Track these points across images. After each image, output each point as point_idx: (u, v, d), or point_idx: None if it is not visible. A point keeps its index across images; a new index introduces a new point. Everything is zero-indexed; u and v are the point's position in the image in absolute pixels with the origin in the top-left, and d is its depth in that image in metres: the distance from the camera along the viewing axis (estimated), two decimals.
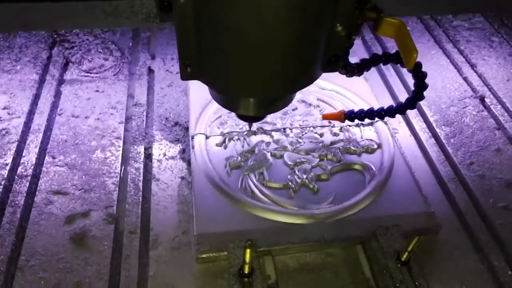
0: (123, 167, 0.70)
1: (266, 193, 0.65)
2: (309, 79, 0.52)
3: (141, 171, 0.70)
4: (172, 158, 0.72)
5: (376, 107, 0.80)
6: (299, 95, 0.82)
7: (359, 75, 0.60)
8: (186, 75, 0.48)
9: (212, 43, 0.45)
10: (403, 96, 0.87)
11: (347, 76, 0.58)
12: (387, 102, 0.86)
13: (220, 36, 0.44)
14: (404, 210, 0.64)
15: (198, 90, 0.80)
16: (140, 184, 0.68)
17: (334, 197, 0.65)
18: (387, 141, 0.74)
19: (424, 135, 0.79)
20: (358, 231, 0.61)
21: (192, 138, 0.73)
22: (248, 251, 0.51)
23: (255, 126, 0.76)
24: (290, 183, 0.67)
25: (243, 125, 0.75)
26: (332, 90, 0.84)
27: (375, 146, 0.73)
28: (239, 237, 0.58)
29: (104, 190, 0.66)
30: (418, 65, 0.62)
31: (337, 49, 0.48)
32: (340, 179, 0.69)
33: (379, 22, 0.50)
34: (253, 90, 0.50)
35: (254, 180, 0.67)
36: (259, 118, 0.59)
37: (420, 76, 0.63)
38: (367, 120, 0.77)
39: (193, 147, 0.71)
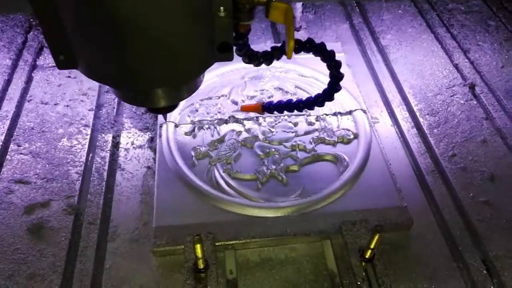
0: (89, 156, 0.69)
1: (231, 185, 0.63)
2: (197, 68, 0.47)
3: (107, 160, 0.68)
4: (140, 147, 0.70)
5: (355, 94, 0.77)
6: (275, 82, 0.79)
7: (268, 64, 0.55)
8: (60, 64, 0.44)
9: (78, 32, 0.41)
10: (387, 83, 0.83)
11: (254, 66, 0.54)
12: (370, 89, 0.82)
13: (84, 24, 0.40)
14: (375, 204, 0.61)
15: None
16: (105, 173, 0.66)
17: (303, 189, 0.63)
18: (364, 131, 0.71)
19: (406, 124, 0.75)
20: (323, 225, 0.58)
21: (160, 126, 0.70)
22: (198, 246, 0.49)
23: (226, 114, 0.73)
24: (258, 174, 0.64)
25: (214, 113, 0.73)
26: (311, 77, 0.80)
27: (351, 136, 0.70)
28: (199, 230, 0.56)
29: (66, 180, 0.65)
30: (331, 54, 0.57)
31: (225, 36, 0.44)
32: (311, 171, 0.66)
33: (268, 6, 0.46)
34: (132, 81, 0.45)
35: (221, 171, 0.65)
36: (168, 108, 0.55)
37: (334, 65, 0.59)
38: (338, 110, 0.74)
39: (160, 136, 0.69)
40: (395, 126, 0.76)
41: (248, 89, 0.77)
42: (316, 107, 0.66)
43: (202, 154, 0.67)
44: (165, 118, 0.66)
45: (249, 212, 0.60)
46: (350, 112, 0.74)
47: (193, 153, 0.67)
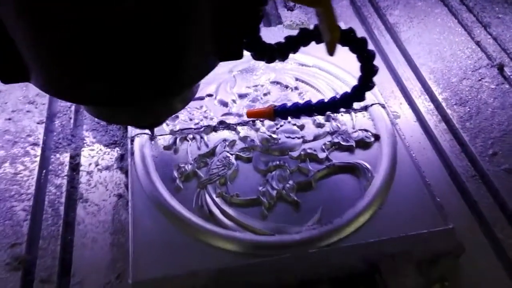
0: (39, 185, 0.53)
1: (229, 214, 0.49)
2: (198, 73, 0.37)
3: (64, 189, 0.53)
4: (107, 168, 0.55)
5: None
6: (271, 74, 0.64)
7: (283, 60, 0.44)
8: (4, 78, 0.34)
9: (32, 31, 0.30)
10: (403, 69, 0.70)
11: (266, 62, 0.44)
12: (384, 77, 0.69)
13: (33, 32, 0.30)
14: (413, 227, 0.48)
15: None
16: (62, 208, 0.51)
17: (320, 213, 0.49)
18: (386, 130, 0.57)
19: (433, 118, 0.63)
20: (354, 263, 0.45)
21: (132, 140, 0.55)
22: None
23: (215, 119, 0.58)
24: (262, 197, 0.50)
25: (199, 119, 0.58)
26: (314, 66, 0.66)
27: (372, 139, 0.56)
28: (191, 283, 0.42)
29: (10, 221, 0.49)
30: (362, 42, 0.45)
31: (235, 28, 0.34)
32: (328, 187, 0.52)
33: None
34: (102, 97, 0.35)
35: (214, 196, 0.50)
36: (155, 123, 0.47)
37: (366, 57, 0.46)
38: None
39: (132, 153, 0.54)
40: (419, 122, 0.63)
41: (239, 85, 0.63)
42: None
43: (188, 174, 0.52)
44: (152, 133, 0.54)
45: (255, 251, 0.46)
46: (365, 108, 0.60)
47: (176, 174, 0.52)
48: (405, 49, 0.72)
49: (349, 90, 0.61)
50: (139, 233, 0.47)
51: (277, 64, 0.66)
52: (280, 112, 0.54)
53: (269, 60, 0.43)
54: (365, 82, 0.48)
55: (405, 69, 0.69)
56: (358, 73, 0.65)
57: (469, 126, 0.61)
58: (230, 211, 0.49)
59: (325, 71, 0.65)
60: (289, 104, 0.54)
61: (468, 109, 0.63)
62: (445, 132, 0.61)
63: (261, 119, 0.57)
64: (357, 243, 0.46)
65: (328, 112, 0.56)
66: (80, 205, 0.51)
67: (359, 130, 0.57)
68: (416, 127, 0.62)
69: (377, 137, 0.57)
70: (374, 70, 0.46)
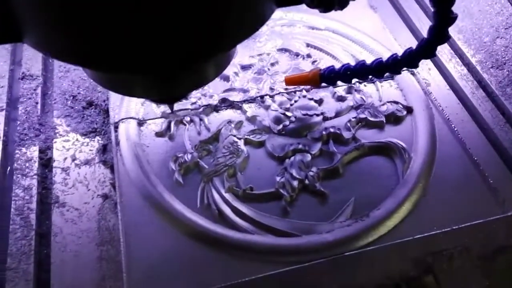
0: (2, 189, 0.43)
1: (243, 212, 0.40)
2: (249, 24, 0.29)
3: (35, 192, 0.42)
4: (87, 163, 0.45)
5: (393, 49, 0.54)
6: (278, 41, 0.54)
7: (341, 8, 0.34)
8: None
9: None
10: (425, 28, 0.60)
11: (320, 11, 0.34)
12: (406, 39, 0.59)
13: None
14: (466, 218, 0.40)
15: None
16: (33, 216, 0.41)
17: (353, 205, 0.40)
18: (419, 101, 0.49)
19: (468, 85, 0.54)
20: (400, 265, 0.37)
21: (116, 127, 0.45)
22: None
23: (215, 96, 0.48)
24: (281, 189, 0.41)
25: (197, 98, 0.48)
26: (326, 29, 0.56)
27: (404, 112, 0.48)
28: None
29: None
30: None
31: None
32: (359, 173, 0.44)
33: None
34: (127, 63, 0.26)
35: (222, 191, 0.41)
36: (178, 97, 0.38)
37: (442, 1, 0.38)
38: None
39: (117, 143, 0.44)
40: (452, 90, 0.54)
41: (241, 54, 0.53)
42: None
43: (188, 165, 0.43)
44: (172, 109, 0.43)
45: (279, 258, 0.37)
46: (391, 76, 0.51)
47: (173, 166, 0.42)
48: (426, 5, 0.63)
49: (369, 55, 0.53)
50: (133, 242, 0.38)
51: (282, 29, 0.56)
52: (327, 77, 0.46)
53: (326, 9, 0.33)
54: (439, 33, 0.39)
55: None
56: (376, 34, 0.57)
57: (510, 92, 0.52)
58: (243, 208, 0.40)
59: (339, 34, 0.56)
60: (337, 67, 0.46)
61: (507, 73, 0.54)
62: (484, 101, 0.52)
63: (304, 86, 0.49)
64: (402, 240, 0.38)
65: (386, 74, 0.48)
66: (56, 211, 0.41)
67: (388, 102, 0.49)
68: (450, 95, 0.53)
69: (409, 110, 0.48)
70: (451, 17, 0.38)
